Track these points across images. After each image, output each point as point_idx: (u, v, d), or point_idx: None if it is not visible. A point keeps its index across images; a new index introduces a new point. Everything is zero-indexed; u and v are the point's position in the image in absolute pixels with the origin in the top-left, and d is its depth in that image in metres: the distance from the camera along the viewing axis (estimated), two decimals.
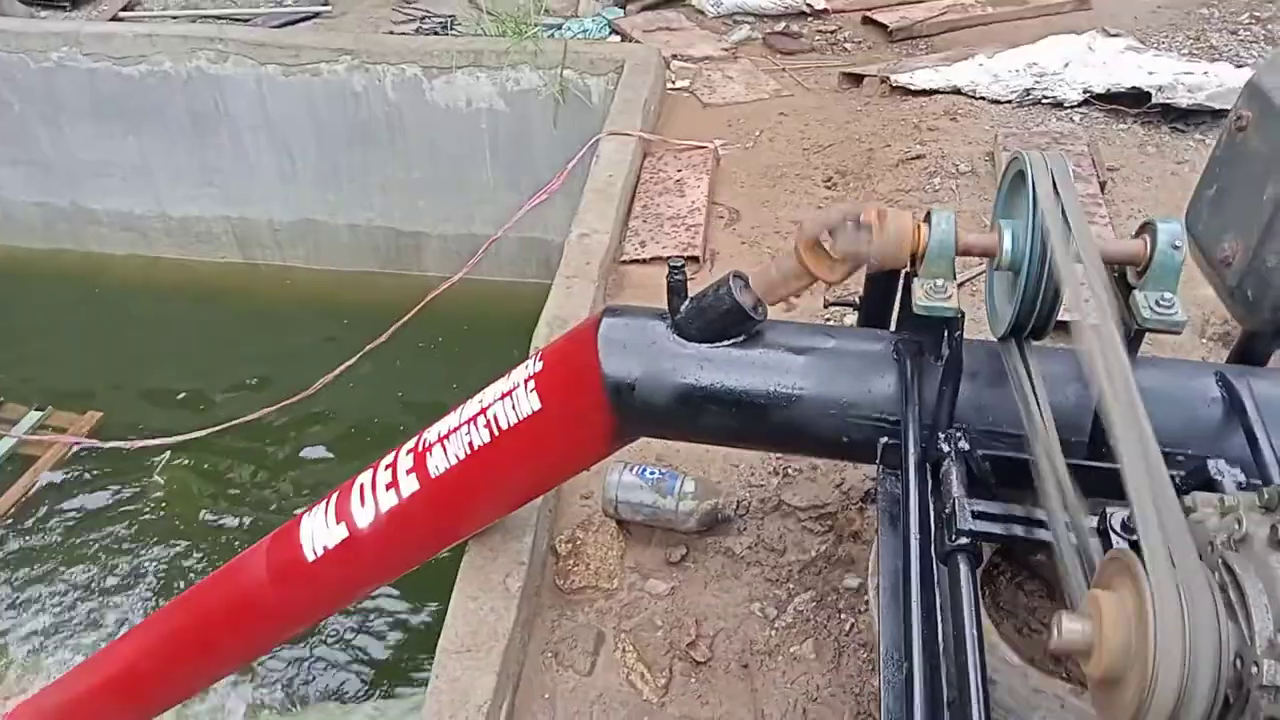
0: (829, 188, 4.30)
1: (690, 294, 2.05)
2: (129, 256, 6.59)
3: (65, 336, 5.92)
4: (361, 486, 2.46)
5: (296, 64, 5.62)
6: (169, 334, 6.00)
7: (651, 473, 2.68)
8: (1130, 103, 4.51)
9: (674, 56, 5.69)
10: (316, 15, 6.36)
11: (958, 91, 4.78)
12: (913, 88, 4.89)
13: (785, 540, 2.65)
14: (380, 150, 5.75)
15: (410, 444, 2.41)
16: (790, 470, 2.79)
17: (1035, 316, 1.69)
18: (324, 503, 2.56)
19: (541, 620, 2.51)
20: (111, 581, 4.36)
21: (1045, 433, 1.51)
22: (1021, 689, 1.74)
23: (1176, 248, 1.64)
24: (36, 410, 4.97)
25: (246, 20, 6.28)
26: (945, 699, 1.41)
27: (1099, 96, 4.59)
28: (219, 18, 6.37)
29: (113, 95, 5.88)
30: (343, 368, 4.41)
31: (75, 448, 4.73)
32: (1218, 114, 4.25)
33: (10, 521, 4.67)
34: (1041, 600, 2.01)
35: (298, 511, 2.69)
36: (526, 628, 2.44)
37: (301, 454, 5.12)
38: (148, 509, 4.67)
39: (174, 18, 6.36)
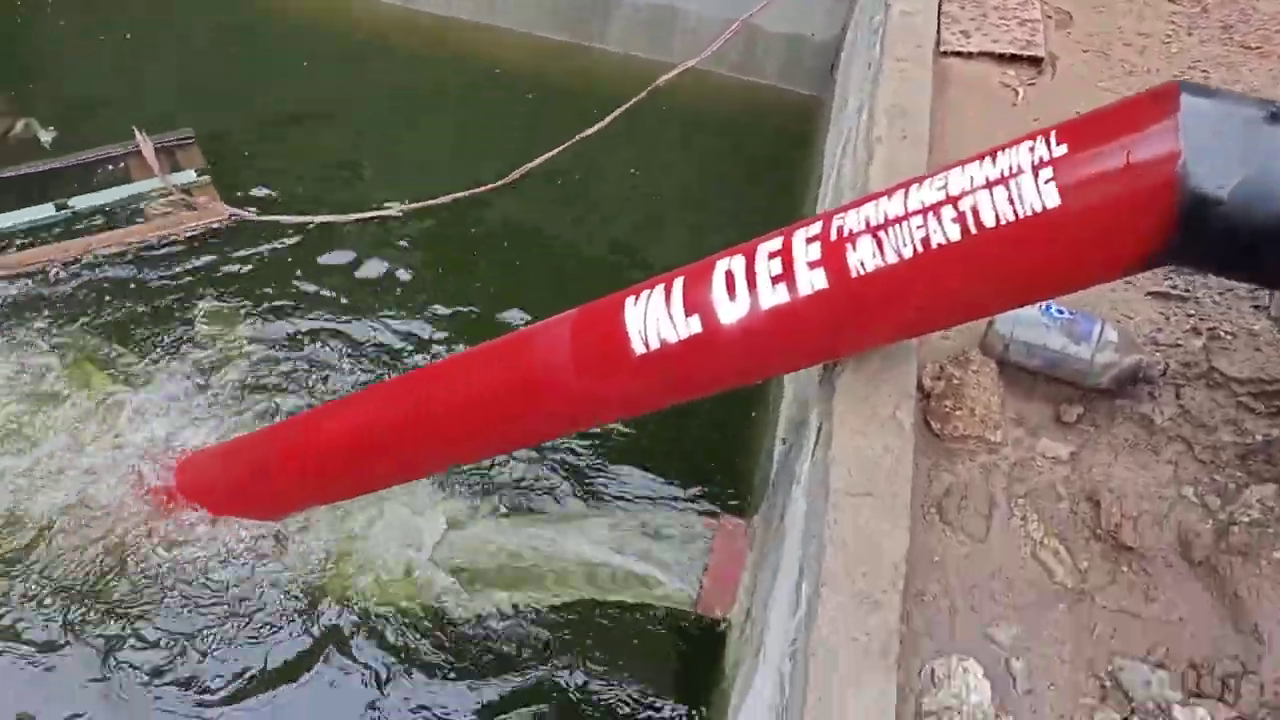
0: (1173, 1, 3.57)
1: None
2: None
3: (205, 65, 5.28)
4: (729, 275, 1.96)
5: None
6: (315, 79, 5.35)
7: (1060, 311, 2.15)
8: None
9: None
10: None
11: None
12: None
13: (1216, 416, 2.13)
14: None
15: (810, 230, 1.89)
16: (1221, 332, 2.25)
17: None
18: (659, 289, 2.08)
19: (917, 468, 2.03)
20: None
21: None
22: None
23: None
24: (196, 173, 4.39)
25: None
26: None
27: None
28: None
29: None
30: (555, 151, 3.83)
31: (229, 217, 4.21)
32: None
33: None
34: None
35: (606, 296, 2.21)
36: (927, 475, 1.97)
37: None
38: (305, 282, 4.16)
39: None
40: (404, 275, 4.21)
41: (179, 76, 5.21)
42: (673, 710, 2.92)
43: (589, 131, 3.91)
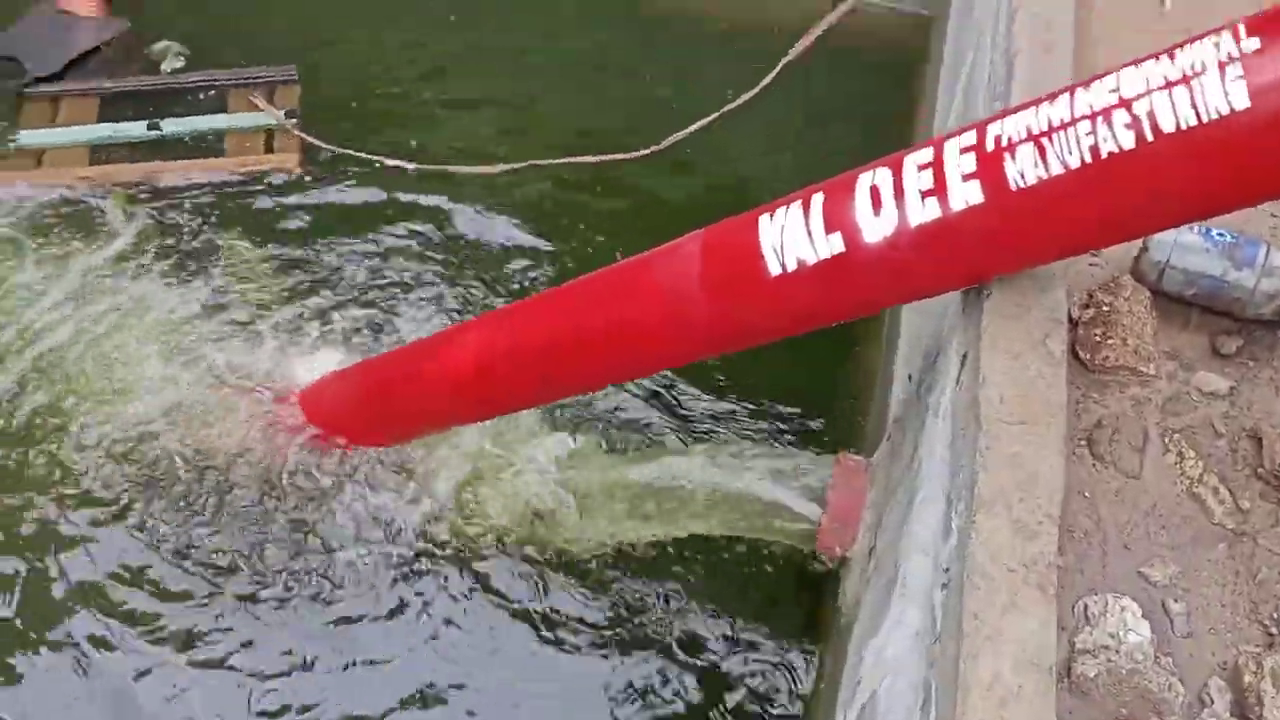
0: None
1: None
2: None
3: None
4: (874, 189, 1.86)
5: None
6: None
7: (1220, 234, 2.02)
8: None
9: None
10: None
11: None
12: None
13: None
14: None
15: (963, 140, 1.78)
16: None
17: None
18: (796, 205, 1.99)
19: (1067, 399, 1.93)
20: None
21: None
22: None
23: None
24: (285, 114, 4.31)
25: None
26: None
27: None
28: None
29: None
30: (741, 100, 3.64)
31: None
32: None
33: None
34: None
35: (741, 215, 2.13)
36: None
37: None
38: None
39: None
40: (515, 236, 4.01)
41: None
42: (786, 647, 2.90)
43: (750, 92, 3.69)
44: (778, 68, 3.72)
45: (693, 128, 3.63)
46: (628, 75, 4.73)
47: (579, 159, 3.88)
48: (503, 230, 4.03)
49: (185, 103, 4.40)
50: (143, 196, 4.04)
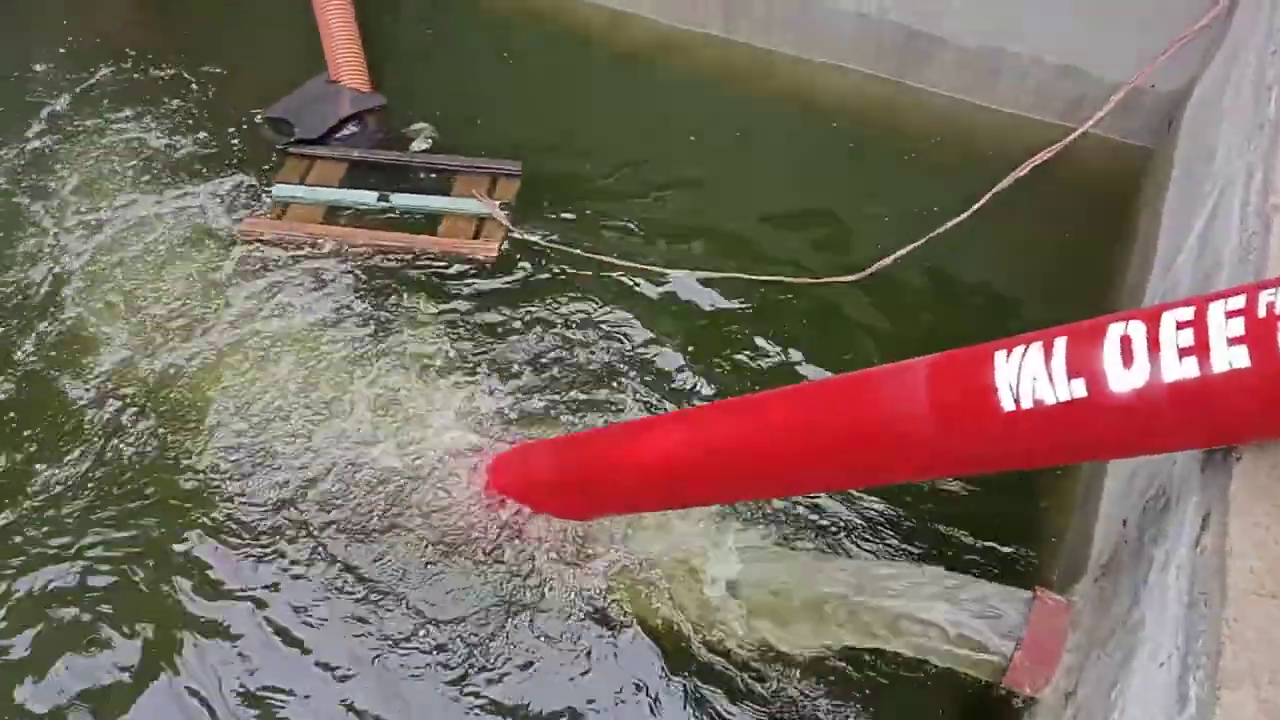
0: None
1: None
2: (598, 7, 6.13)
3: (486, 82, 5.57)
4: (1125, 340, 1.86)
5: None
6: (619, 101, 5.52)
7: None
8: None
9: None
10: None
11: None
12: None
13: None
14: None
15: (1231, 303, 1.78)
16: None
17: None
18: (1036, 346, 2.01)
19: None
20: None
21: None
22: None
23: None
24: (500, 205, 4.60)
25: None
26: None
27: None
28: None
29: None
30: (923, 240, 3.74)
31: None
32: None
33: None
34: None
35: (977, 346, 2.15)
36: None
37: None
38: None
39: None
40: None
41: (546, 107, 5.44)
42: None
43: (963, 215, 3.77)
44: (989, 194, 3.75)
45: (903, 251, 3.68)
46: (841, 193, 4.84)
47: (788, 279, 3.98)
48: (688, 336, 4.14)
49: (418, 180, 4.83)
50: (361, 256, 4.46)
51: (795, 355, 4.00)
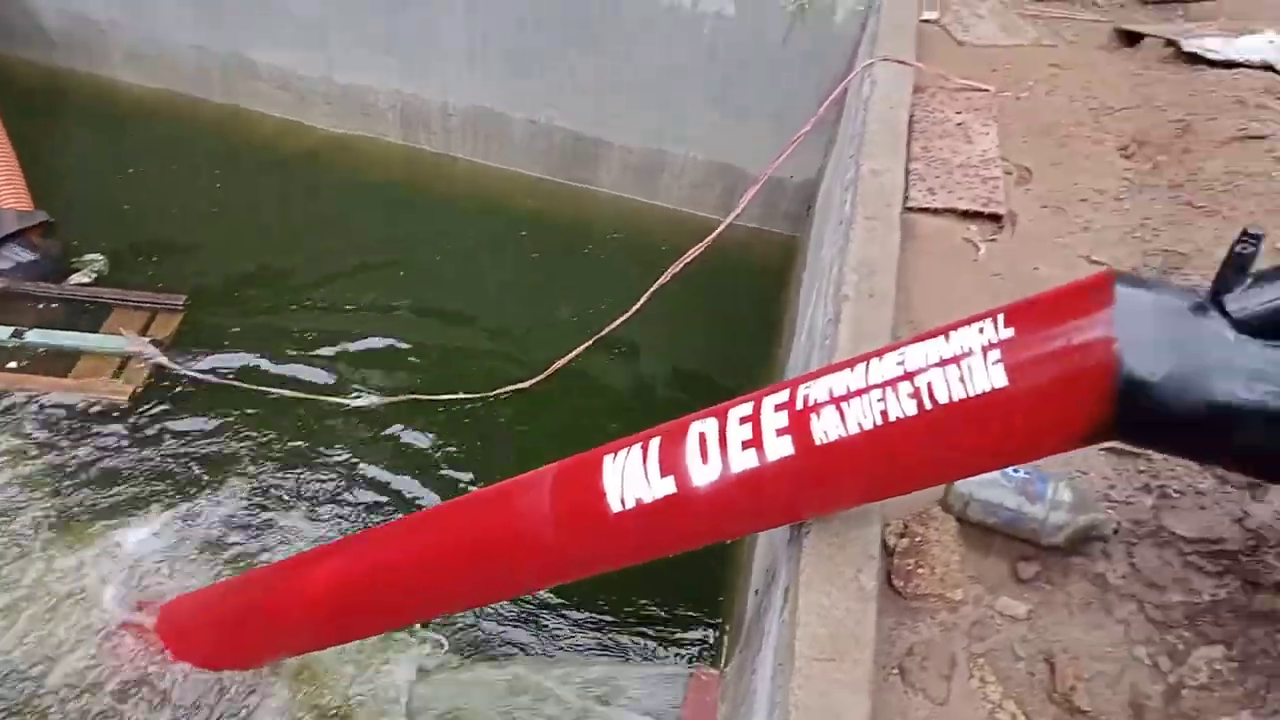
0: (1126, 157, 3.79)
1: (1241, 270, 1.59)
2: (280, 120, 6.16)
3: (182, 194, 5.49)
4: (702, 437, 2.06)
5: None
6: (318, 206, 5.57)
7: (1015, 471, 2.26)
8: None
9: None
10: None
11: (1270, 68, 4.20)
12: (1211, 57, 4.31)
13: (1165, 575, 2.22)
14: (585, 43, 5.25)
15: (778, 398, 2.00)
16: (1170, 490, 2.35)
17: None
18: (636, 448, 2.17)
19: (880, 628, 2.10)
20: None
21: None
22: None
23: None
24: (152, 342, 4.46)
25: None
26: None
27: None
28: None
29: None
30: (631, 311, 3.92)
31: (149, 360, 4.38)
32: None
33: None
34: None
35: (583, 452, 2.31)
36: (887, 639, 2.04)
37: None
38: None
39: None
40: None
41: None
42: None
43: (629, 313, 3.97)
44: (651, 289, 4.01)
45: (578, 350, 3.87)
46: (522, 292, 5.03)
47: (458, 396, 4.10)
48: (357, 459, 4.18)
49: (78, 314, 4.54)
50: None
51: (465, 472, 4.12)
